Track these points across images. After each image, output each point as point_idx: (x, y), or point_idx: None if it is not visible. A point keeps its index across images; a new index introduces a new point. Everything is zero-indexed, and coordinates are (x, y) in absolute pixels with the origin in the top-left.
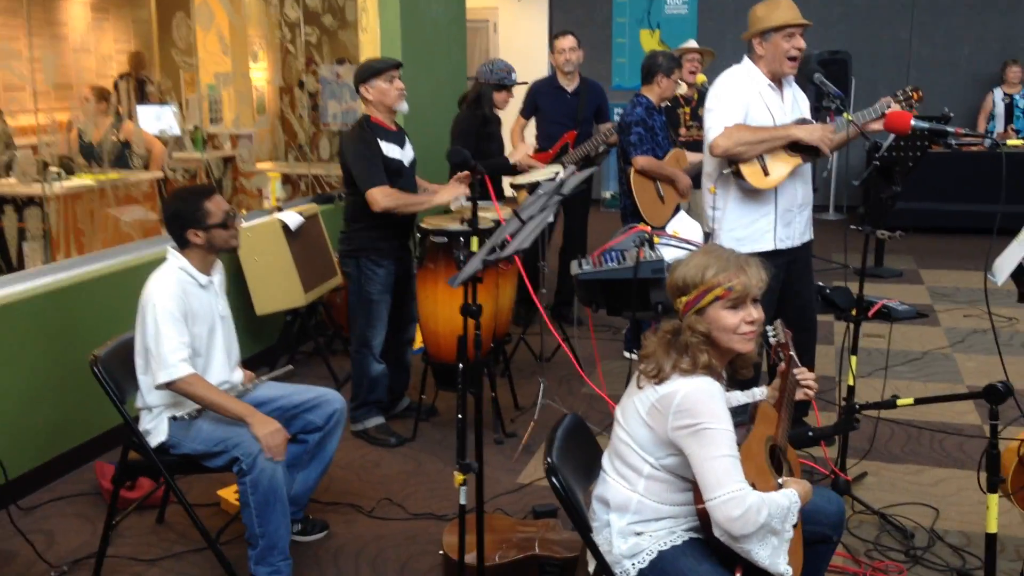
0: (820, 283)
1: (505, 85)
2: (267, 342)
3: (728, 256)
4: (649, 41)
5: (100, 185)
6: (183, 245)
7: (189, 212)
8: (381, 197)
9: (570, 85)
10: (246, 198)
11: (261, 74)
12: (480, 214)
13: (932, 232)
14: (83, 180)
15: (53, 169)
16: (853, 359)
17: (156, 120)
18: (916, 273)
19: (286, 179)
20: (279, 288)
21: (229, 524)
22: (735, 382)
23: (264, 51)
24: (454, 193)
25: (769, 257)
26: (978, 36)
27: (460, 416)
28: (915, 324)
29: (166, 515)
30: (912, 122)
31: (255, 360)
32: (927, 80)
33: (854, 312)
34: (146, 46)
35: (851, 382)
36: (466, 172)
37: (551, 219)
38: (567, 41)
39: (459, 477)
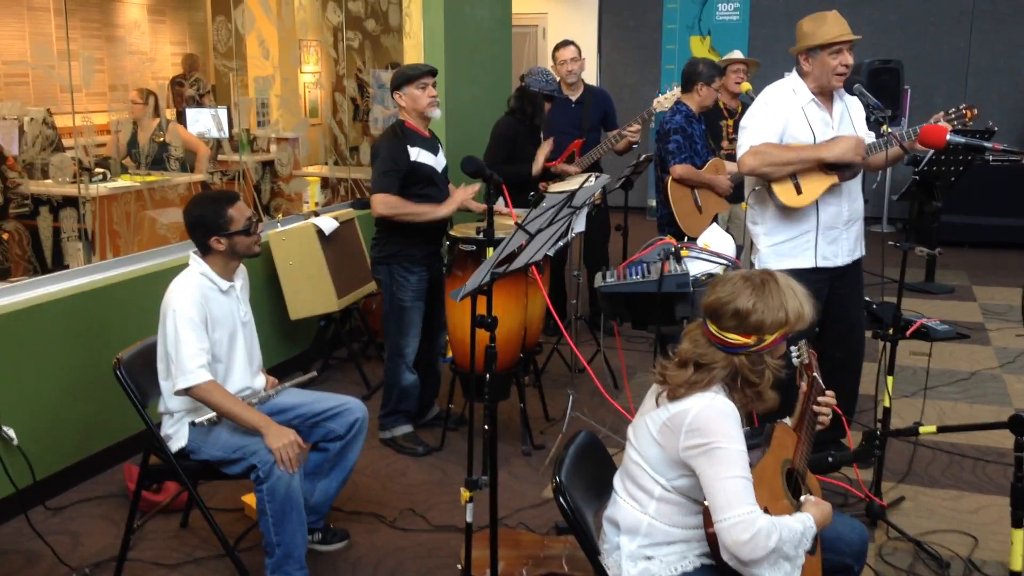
0: (867, 298)
1: (553, 96)
2: (301, 347)
3: (797, 293)
4: (700, 48)
5: (145, 187)
6: (205, 251)
7: (212, 219)
8: (379, 203)
9: (574, 94)
10: (284, 202)
11: (312, 78)
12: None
13: (986, 247)
14: (126, 182)
15: (98, 170)
16: (889, 380)
17: (202, 122)
18: (968, 289)
19: (325, 183)
20: (313, 293)
21: (249, 530)
22: None
23: (317, 55)
24: (454, 206)
25: (811, 273)
26: None
27: (469, 430)
28: (965, 343)
29: (190, 519)
30: (948, 137)
31: (289, 364)
32: (986, 89)
33: (891, 331)
34: (201, 49)
35: (887, 403)
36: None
37: (582, 228)
38: (568, 51)
39: (465, 494)
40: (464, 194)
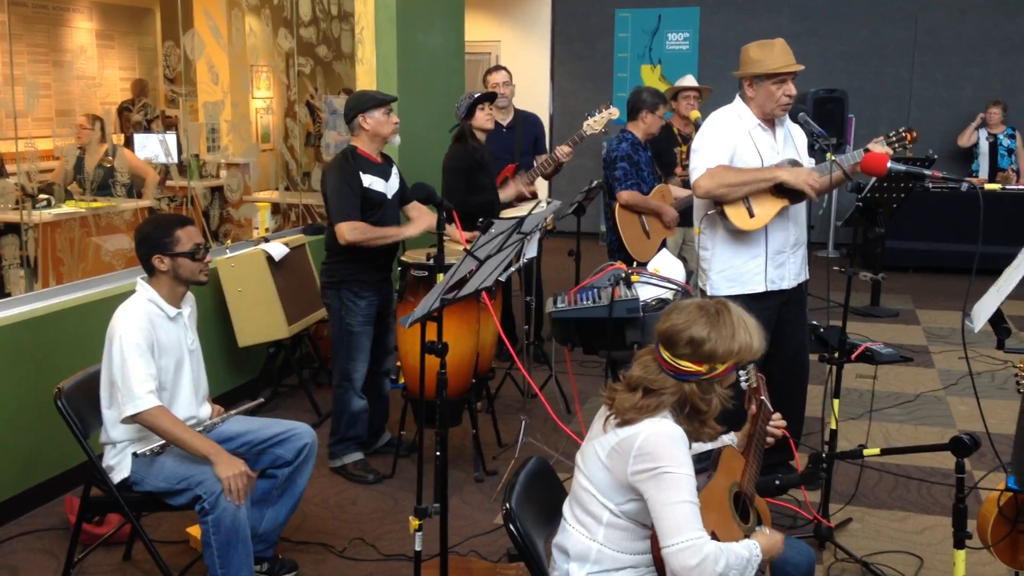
0: (815, 322)
1: (472, 107)
2: (250, 374)
3: (748, 325)
4: (650, 76)
5: (90, 212)
6: (150, 272)
7: (158, 237)
8: (347, 231)
9: (505, 119)
10: (234, 228)
11: (263, 103)
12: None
13: (930, 271)
14: (71, 208)
15: (42, 197)
16: (835, 403)
17: (150, 148)
18: (913, 313)
19: (276, 209)
20: (262, 319)
21: (194, 563)
22: None
23: (269, 80)
24: (422, 226)
25: (760, 299)
26: (979, 76)
27: (419, 457)
28: (909, 366)
29: (133, 552)
30: (888, 164)
31: (237, 392)
32: (928, 119)
33: (836, 355)
34: (150, 74)
35: (833, 426)
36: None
37: (534, 254)
38: (500, 76)
39: (414, 522)
40: (432, 218)
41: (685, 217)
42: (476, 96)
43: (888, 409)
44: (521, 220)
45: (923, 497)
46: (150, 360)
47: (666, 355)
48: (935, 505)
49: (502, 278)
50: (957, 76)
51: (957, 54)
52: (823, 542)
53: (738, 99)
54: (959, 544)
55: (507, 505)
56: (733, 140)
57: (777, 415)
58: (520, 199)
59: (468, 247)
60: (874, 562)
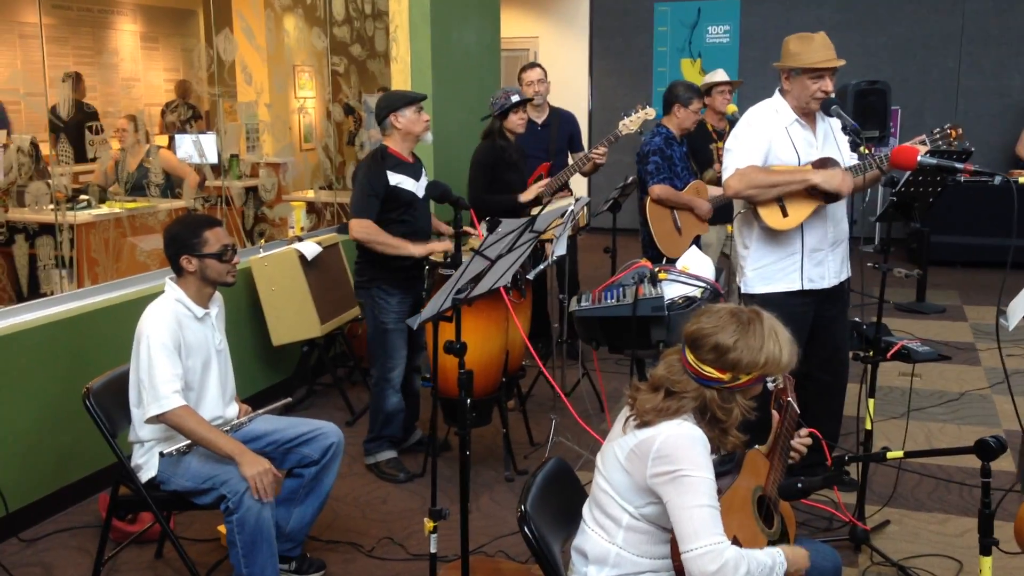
0: (857, 319)
1: (507, 110)
2: (284, 373)
3: (780, 338)
4: (690, 70)
5: (127, 213)
6: (178, 273)
7: (186, 237)
8: (356, 227)
9: (540, 117)
10: (269, 227)
11: (307, 102)
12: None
13: (978, 267)
14: (110, 209)
15: (82, 198)
16: (871, 402)
17: (192, 148)
18: (960, 309)
19: (311, 208)
20: (295, 318)
21: (221, 561)
22: None
23: (312, 80)
24: (434, 248)
25: (797, 296)
26: None
27: (432, 459)
28: (955, 363)
29: (165, 549)
30: (919, 158)
31: (271, 391)
32: (976, 110)
33: (871, 353)
34: (195, 76)
35: (868, 426)
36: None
37: (563, 252)
38: (534, 73)
39: (429, 524)
40: (441, 246)
41: (728, 214)
42: (511, 99)
43: (931, 408)
44: (532, 219)
45: (964, 499)
46: (176, 360)
47: (691, 357)
48: (976, 507)
49: (530, 276)
50: (1005, 66)
51: (1005, 44)
52: (859, 545)
53: (777, 93)
54: (986, 551)
55: (522, 507)
56: (768, 137)
57: (804, 430)
58: (539, 201)
59: (476, 248)
60: (911, 566)
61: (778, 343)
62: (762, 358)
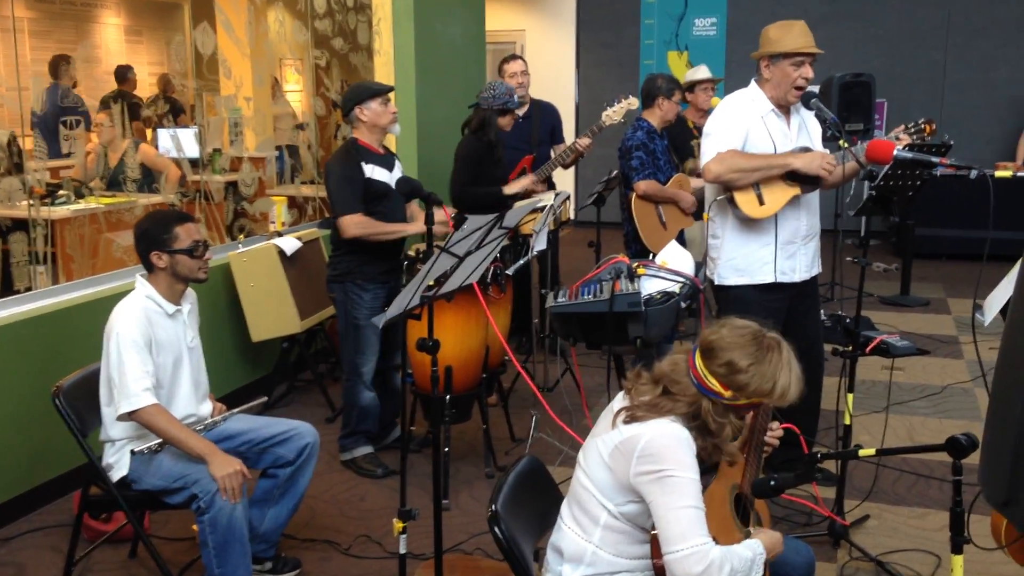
0: (840, 312)
1: (508, 109)
2: (264, 369)
3: (793, 374)
4: (677, 63)
5: (106, 208)
6: (149, 269)
7: (156, 233)
8: (350, 225)
9: (521, 109)
10: (250, 223)
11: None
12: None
13: (962, 259)
14: (90, 204)
15: (61, 193)
16: (850, 397)
17: (164, 143)
18: (944, 302)
19: (293, 203)
20: (275, 314)
21: (195, 561)
22: None
23: (297, 74)
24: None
25: (769, 290)
26: (1014, 58)
27: (403, 457)
28: (937, 356)
29: (139, 548)
30: (895, 152)
31: (251, 387)
32: (963, 103)
33: (850, 348)
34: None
35: (847, 421)
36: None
37: (543, 247)
38: (516, 65)
39: (398, 525)
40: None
41: (700, 208)
42: (515, 100)
43: (913, 402)
44: (500, 216)
45: (944, 494)
46: (147, 357)
47: (699, 363)
48: None
49: (510, 271)
50: (991, 58)
51: (991, 36)
52: (837, 540)
53: (753, 83)
54: (957, 549)
55: (492, 507)
56: (746, 124)
57: (775, 424)
58: (530, 193)
59: (442, 244)
60: (890, 561)
61: (790, 377)
62: (770, 387)
